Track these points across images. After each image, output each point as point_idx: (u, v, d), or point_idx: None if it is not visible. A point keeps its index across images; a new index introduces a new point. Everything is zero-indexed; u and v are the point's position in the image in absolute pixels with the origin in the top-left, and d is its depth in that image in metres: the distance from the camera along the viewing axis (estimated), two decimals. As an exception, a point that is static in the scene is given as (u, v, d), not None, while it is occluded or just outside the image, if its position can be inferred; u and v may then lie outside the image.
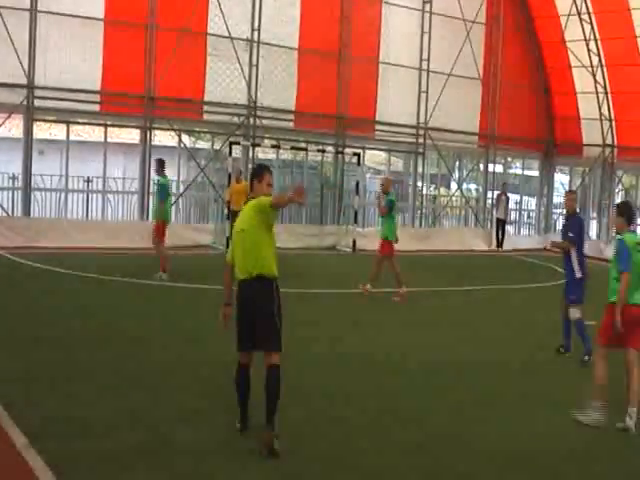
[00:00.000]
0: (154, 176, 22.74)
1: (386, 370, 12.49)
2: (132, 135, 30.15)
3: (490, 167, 37.36)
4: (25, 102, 26.20)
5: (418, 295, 20.23)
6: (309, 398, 10.68)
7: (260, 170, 9.46)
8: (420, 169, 35.53)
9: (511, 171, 42.48)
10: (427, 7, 33.93)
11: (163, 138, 30.80)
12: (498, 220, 34.39)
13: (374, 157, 37.52)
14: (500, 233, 34.26)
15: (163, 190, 21.04)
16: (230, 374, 9.32)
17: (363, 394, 11.05)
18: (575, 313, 13.99)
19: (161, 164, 21.06)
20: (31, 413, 9.20)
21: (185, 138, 32.04)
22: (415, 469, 8.55)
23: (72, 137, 29.38)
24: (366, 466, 8.48)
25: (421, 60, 34.06)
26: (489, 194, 37.11)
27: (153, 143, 29.31)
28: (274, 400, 8.64)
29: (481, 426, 10.01)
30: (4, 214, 26.43)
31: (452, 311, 18.88)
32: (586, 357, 13.66)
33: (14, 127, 27.77)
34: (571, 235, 14.29)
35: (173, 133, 30.68)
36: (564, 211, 16.83)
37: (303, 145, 31.40)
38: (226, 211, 26.69)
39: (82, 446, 8.38)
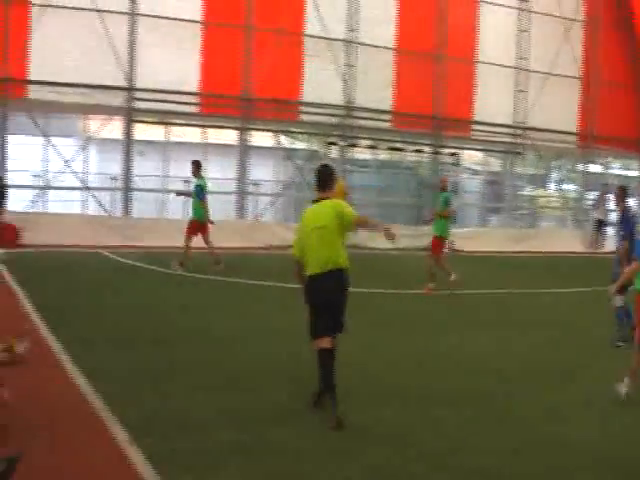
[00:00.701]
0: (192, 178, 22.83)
1: (478, 370, 12.37)
2: (230, 136, 30.40)
3: (589, 167, 36.82)
4: (125, 104, 26.66)
5: (513, 296, 20.06)
6: (403, 398, 10.64)
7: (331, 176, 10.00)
8: (517, 169, 35.19)
9: (610, 171, 41.76)
10: (524, 5, 33.58)
11: (260, 139, 31.01)
12: (598, 221, 33.82)
13: (471, 157, 37.25)
14: (599, 234, 33.69)
15: (200, 191, 21.45)
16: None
17: (458, 394, 10.97)
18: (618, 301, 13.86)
19: (197, 166, 21.59)
20: (132, 410, 9.32)
21: (282, 139, 32.19)
22: (517, 471, 8.46)
23: (171, 138, 29.78)
24: (466, 466, 8.42)
25: (519, 59, 33.69)
26: (587, 195, 36.59)
27: (250, 144, 29.53)
28: (331, 378, 9.37)
29: (581, 428, 9.86)
30: (105, 214, 26.93)
31: (545, 311, 18.60)
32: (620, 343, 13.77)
33: (115, 129, 28.25)
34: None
35: (270, 134, 30.87)
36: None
37: (399, 145, 31.35)
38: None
39: (180, 443, 8.46)
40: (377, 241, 28.53)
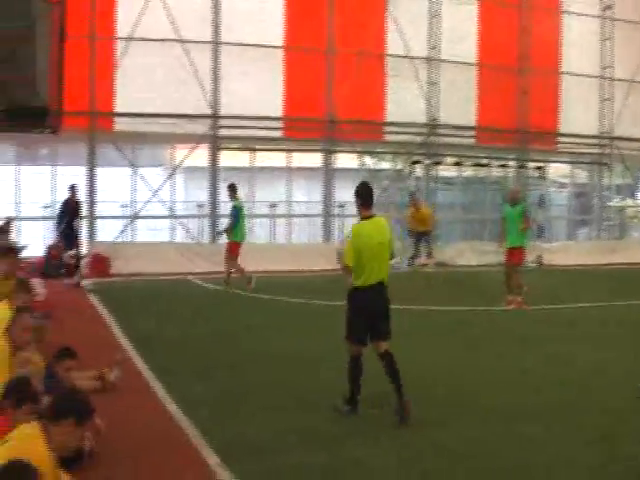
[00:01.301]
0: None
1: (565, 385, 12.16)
2: (314, 159, 30.52)
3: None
4: (210, 132, 26.97)
5: (602, 309, 19.71)
6: (489, 415, 10.52)
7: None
8: (605, 180, 34.68)
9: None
10: (607, 13, 33.14)
11: (345, 160, 31.08)
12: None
13: (557, 170, 36.81)
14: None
15: (236, 212, 22.12)
16: (412, 392, 9.59)
17: (546, 411, 10.78)
18: None
19: (232, 189, 22.38)
20: (222, 434, 9.40)
21: (367, 159, 32.19)
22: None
23: (256, 163, 29.99)
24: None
25: (602, 68, 33.23)
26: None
27: (335, 166, 29.61)
28: (398, 376, 10.16)
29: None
30: (192, 241, 27.20)
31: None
32: None
33: (200, 156, 28.61)
34: None
35: (355, 155, 30.90)
36: None
37: (484, 161, 31.15)
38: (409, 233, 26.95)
39: (269, 464, 8.53)
40: (463, 257, 28.43)
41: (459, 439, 9.41)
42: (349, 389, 10.48)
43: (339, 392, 10.52)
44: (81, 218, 24.39)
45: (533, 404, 10.99)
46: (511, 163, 31.80)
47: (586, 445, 9.32)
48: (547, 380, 12.36)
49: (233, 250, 22.05)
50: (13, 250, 14.31)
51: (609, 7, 33.12)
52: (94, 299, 19.74)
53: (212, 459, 8.58)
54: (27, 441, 5.87)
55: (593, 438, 9.56)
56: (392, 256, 11.01)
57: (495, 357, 14.03)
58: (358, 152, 30.37)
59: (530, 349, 14.74)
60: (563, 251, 30.97)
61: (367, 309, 10.51)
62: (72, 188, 24.44)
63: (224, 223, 26.18)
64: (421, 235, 27.03)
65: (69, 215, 24.01)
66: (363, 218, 10.73)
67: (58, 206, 24.92)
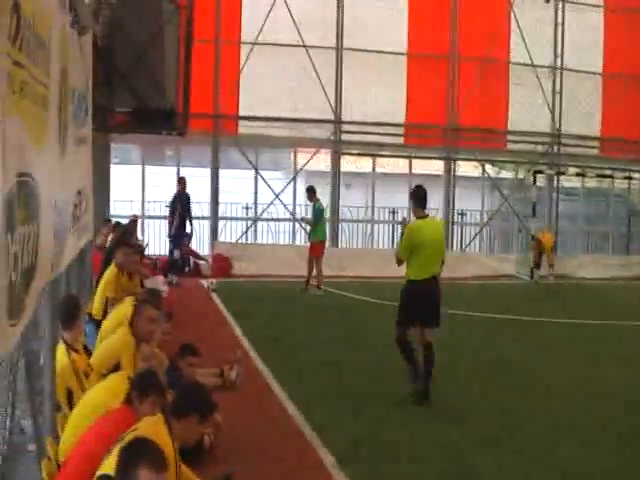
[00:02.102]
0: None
1: None
2: (436, 166, 30.45)
3: None
4: (333, 137, 27.15)
5: None
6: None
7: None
8: None
9: None
10: None
11: (466, 168, 30.92)
12: None
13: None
14: None
15: (316, 214, 22.63)
16: (535, 401, 9.44)
17: None
18: None
19: (311, 191, 22.79)
20: (338, 435, 9.48)
21: (488, 168, 31.95)
22: None
23: (377, 169, 30.03)
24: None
25: None
26: None
27: (456, 173, 29.49)
28: (432, 363, 11.36)
29: None
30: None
31: None
32: None
33: (322, 161, 28.82)
34: None
35: (476, 163, 30.72)
36: None
37: (608, 172, 30.63)
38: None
39: (388, 469, 8.56)
40: (585, 270, 28.00)
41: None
42: (409, 368, 11.66)
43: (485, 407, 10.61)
44: (189, 213, 24.19)
45: None
46: (636, 175, 31.15)
47: None
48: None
49: (314, 251, 22.58)
50: (128, 245, 14.48)
51: None
52: (216, 299, 20.06)
53: (328, 459, 8.66)
54: (153, 428, 6.01)
55: None
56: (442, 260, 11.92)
57: (617, 372, 13.83)
58: (479, 160, 30.16)
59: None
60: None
61: (416, 299, 11.61)
62: (181, 181, 23.93)
63: (347, 228, 26.49)
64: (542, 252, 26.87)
65: (181, 210, 23.41)
66: (418, 218, 11.83)
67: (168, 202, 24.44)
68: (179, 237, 23.39)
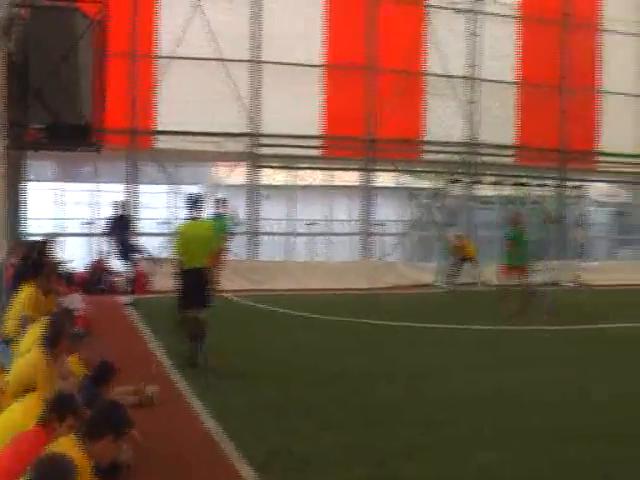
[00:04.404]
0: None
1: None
2: (355, 177, 30.62)
3: None
4: (250, 150, 27.14)
5: None
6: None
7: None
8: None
9: None
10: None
11: (384, 179, 31.11)
12: None
13: (598, 189, 36.63)
14: None
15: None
16: (465, 412, 9.97)
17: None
18: None
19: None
20: (256, 446, 9.47)
21: (407, 178, 32.18)
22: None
23: (296, 181, 30.08)
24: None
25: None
26: None
27: (374, 184, 29.65)
28: (203, 337, 13.92)
29: None
30: (231, 258, 27.34)
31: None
32: None
33: (239, 174, 28.79)
34: None
35: (394, 173, 30.92)
36: None
37: (524, 180, 31.05)
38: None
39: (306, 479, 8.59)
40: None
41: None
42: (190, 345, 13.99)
43: (390, 407, 10.66)
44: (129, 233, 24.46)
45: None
46: (551, 183, 31.64)
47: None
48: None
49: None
50: (42, 264, 14.36)
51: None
52: (133, 315, 19.90)
53: (247, 472, 8.65)
54: (67, 448, 5.97)
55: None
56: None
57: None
58: (397, 170, 30.38)
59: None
60: (602, 271, 30.80)
61: (188, 286, 13.96)
62: (123, 205, 24.89)
63: (265, 239, 26.50)
64: (465, 259, 27.13)
65: (123, 231, 24.18)
66: (189, 219, 14.39)
67: (105, 222, 24.98)
68: (128, 253, 23.49)
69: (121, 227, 24.25)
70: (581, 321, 20.26)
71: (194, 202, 14.33)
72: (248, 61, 27.06)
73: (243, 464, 8.86)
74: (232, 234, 22.99)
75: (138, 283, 24.27)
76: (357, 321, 19.66)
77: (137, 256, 24.40)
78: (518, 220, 22.52)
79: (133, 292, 23.14)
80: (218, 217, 22.38)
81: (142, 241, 25.90)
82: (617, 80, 32.47)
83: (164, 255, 23.80)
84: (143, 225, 27.21)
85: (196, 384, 12.43)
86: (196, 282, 13.96)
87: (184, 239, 14.11)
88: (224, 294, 22.19)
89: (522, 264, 21.68)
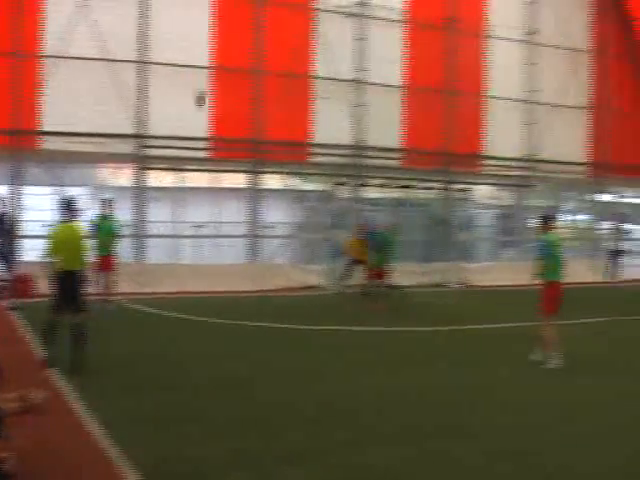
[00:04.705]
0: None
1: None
2: (242, 179, 30.59)
3: (601, 197, 37.01)
4: (137, 152, 26.90)
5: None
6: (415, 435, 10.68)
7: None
8: (529, 202, 35.33)
9: (623, 200, 41.42)
10: (532, 38, 33.79)
11: (272, 181, 31.16)
12: (612, 251, 33.23)
13: (483, 192, 37.36)
14: (613, 264, 33.15)
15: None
16: (340, 414, 9.51)
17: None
18: None
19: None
20: (145, 452, 9.42)
21: (294, 180, 32.29)
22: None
23: (185, 183, 29.93)
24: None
25: (527, 91, 33.90)
26: (601, 224, 36.67)
27: (262, 187, 29.67)
28: (85, 341, 13.98)
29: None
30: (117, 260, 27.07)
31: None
32: None
33: (125, 176, 28.50)
34: None
35: (281, 176, 30.98)
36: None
37: (410, 183, 31.44)
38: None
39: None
40: (392, 278, 28.60)
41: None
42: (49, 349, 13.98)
43: (277, 409, 10.67)
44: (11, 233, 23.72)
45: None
46: (436, 185, 32.10)
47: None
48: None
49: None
50: None
51: (534, 32, 33.78)
52: (18, 319, 19.56)
53: (134, 478, 8.59)
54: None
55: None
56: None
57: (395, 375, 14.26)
58: (284, 173, 30.46)
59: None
60: (487, 272, 31.40)
61: (63, 289, 14.03)
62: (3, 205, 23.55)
63: (149, 242, 26.25)
64: (359, 261, 27.32)
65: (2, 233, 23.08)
66: (61, 222, 14.46)
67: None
68: (8, 256, 22.97)
69: (1, 229, 23.54)
70: (454, 322, 20.82)
71: (67, 205, 14.45)
72: (135, 62, 26.81)
73: (130, 471, 8.80)
74: (119, 236, 22.59)
75: (22, 287, 23.79)
76: (242, 324, 19.69)
77: (18, 259, 23.85)
78: (364, 228, 25.63)
79: (17, 296, 22.64)
80: (104, 218, 22.16)
81: (26, 244, 25.46)
82: (502, 85, 33.17)
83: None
84: (27, 227, 26.71)
85: (82, 390, 12.27)
86: (70, 286, 14.12)
87: (56, 242, 14.23)
88: (111, 298, 22.04)
89: (381, 266, 24.06)
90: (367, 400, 12.39)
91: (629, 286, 31.50)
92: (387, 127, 30.64)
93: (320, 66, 29.43)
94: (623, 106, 36.30)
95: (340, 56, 29.50)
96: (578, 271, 33.29)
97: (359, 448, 9.91)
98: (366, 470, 9.14)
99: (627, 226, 35.81)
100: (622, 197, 40.17)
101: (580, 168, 35.86)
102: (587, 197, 38.12)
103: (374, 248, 24.37)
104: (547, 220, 16.30)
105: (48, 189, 27.42)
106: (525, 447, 10.12)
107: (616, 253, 32.96)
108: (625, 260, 33.19)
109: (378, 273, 24.05)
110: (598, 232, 36.95)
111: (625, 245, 33.68)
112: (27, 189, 26.83)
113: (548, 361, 15.29)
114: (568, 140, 34.81)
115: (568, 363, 15.27)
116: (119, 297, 22.52)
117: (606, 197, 37.72)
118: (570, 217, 39.04)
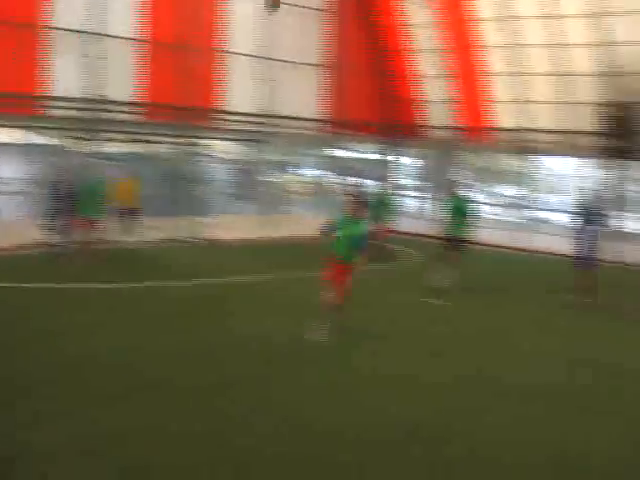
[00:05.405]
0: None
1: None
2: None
3: (334, 151, 38.17)
4: None
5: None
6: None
7: None
8: (265, 156, 35.72)
9: (355, 155, 42.37)
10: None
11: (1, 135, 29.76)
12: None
13: (221, 146, 37.40)
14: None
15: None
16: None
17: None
18: None
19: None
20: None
21: (23, 134, 30.90)
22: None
23: None
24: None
25: (264, 48, 34.07)
26: (334, 179, 37.83)
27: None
28: None
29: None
30: None
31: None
32: None
33: None
34: None
35: (11, 129, 29.68)
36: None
37: (149, 137, 31.02)
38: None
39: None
40: (130, 234, 28.07)
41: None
42: None
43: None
44: None
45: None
46: (177, 140, 31.79)
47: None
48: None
49: None
50: None
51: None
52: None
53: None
54: None
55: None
56: None
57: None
58: (13, 126, 29.15)
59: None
60: (224, 227, 31.43)
61: None
62: None
63: None
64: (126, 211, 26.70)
65: None
66: None
67: None
68: None
69: None
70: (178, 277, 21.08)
71: None
72: None
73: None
74: None
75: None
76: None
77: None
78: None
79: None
80: None
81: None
82: (240, 42, 33.19)
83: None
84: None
85: None
86: None
87: None
88: None
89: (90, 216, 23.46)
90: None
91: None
92: (125, 81, 29.94)
93: (57, 16, 28.18)
94: (358, 65, 37.26)
95: (78, 6, 28.44)
96: (311, 225, 33.78)
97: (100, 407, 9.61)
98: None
99: (359, 180, 36.45)
100: (354, 152, 41.20)
101: (315, 124, 36.50)
102: (321, 152, 38.82)
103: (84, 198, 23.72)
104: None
105: None
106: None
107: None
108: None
109: (85, 224, 23.44)
110: (330, 186, 37.83)
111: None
112: None
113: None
114: (304, 97, 35.56)
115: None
116: None
117: (339, 152, 38.63)
118: (306, 172, 39.67)
